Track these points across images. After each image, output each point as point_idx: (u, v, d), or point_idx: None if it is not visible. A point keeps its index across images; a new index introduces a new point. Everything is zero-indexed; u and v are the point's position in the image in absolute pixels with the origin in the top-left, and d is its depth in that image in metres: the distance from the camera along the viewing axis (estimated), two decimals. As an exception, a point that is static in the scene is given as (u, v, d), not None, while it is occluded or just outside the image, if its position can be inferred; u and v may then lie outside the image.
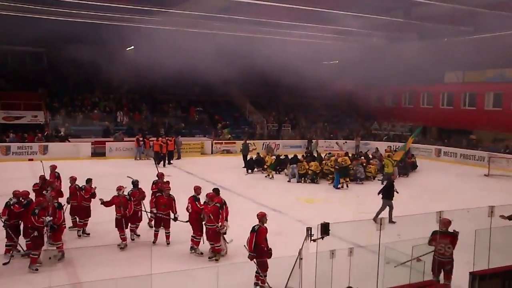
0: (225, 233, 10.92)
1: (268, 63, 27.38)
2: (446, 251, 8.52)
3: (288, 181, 21.65)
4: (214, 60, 27.44)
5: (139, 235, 12.40)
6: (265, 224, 9.28)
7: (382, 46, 33.83)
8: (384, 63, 32.69)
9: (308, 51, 31.76)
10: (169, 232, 11.86)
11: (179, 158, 28.04)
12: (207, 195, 11.23)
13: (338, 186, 20.21)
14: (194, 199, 11.25)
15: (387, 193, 14.53)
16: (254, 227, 9.18)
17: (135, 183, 12.62)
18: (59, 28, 26.41)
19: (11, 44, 32.55)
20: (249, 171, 23.97)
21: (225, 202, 11.21)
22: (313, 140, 31.59)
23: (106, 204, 11.62)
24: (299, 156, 23.59)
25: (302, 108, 39.74)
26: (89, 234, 12.45)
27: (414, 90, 37.51)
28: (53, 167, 14.20)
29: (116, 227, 11.53)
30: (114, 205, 11.61)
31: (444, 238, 8.56)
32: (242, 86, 36.07)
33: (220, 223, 10.69)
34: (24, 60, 35.61)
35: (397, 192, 14.67)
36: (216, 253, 10.77)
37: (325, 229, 6.74)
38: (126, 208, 11.46)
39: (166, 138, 27.86)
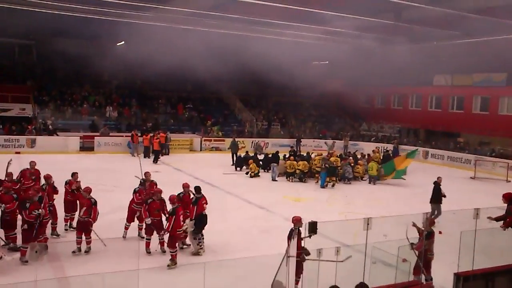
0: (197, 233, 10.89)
1: (259, 62, 27.39)
2: (432, 248, 8.76)
3: (272, 179, 21.68)
4: (205, 58, 27.43)
5: (143, 237, 11.61)
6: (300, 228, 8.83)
7: (372, 48, 34.02)
8: (374, 65, 32.91)
9: (299, 51, 31.86)
10: (163, 239, 11.06)
11: (167, 154, 27.99)
12: (155, 191, 11.37)
13: (324, 185, 20.34)
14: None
15: (436, 198, 14.54)
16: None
17: (142, 182, 12.16)
18: (49, 21, 26.26)
19: (0, 36, 32.22)
20: (238, 168, 24.01)
21: (195, 201, 11.07)
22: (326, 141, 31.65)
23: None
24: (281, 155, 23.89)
25: (291, 107, 39.87)
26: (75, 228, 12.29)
27: (403, 92, 37.80)
28: (33, 164, 13.38)
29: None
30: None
31: (433, 236, 8.86)
32: (233, 84, 36.11)
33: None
34: (13, 52, 35.29)
35: (445, 196, 14.67)
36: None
37: (312, 227, 6.81)
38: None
39: (159, 133, 27.73)
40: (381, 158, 24.87)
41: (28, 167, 13.21)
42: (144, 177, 12.29)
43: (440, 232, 10.34)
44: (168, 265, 9.94)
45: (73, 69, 33.03)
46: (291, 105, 40.02)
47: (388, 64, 31.50)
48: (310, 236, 6.81)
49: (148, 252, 10.87)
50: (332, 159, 21.13)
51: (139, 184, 12.12)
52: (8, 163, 12.28)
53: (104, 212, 13.84)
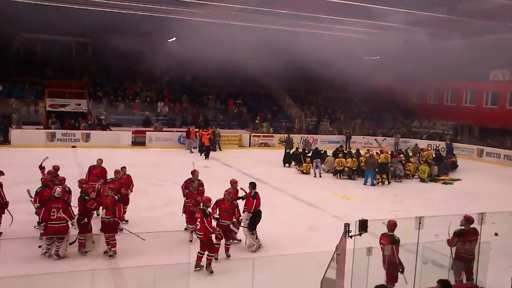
0: (253, 229, 10.90)
1: (308, 57, 27.25)
2: (472, 247, 8.45)
3: (314, 176, 21.54)
4: (255, 53, 27.56)
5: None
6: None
7: (425, 42, 33.18)
8: (426, 60, 32.06)
9: (349, 45, 31.44)
10: (230, 244, 10.57)
11: (219, 149, 28.29)
12: (226, 191, 10.79)
13: (374, 183, 20.08)
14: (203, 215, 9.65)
15: None
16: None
17: (191, 183, 11.77)
18: (104, 19, 27.06)
19: (59, 35, 33.47)
20: (286, 165, 24.01)
21: (254, 195, 11.02)
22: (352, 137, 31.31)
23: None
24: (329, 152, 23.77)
25: (341, 103, 39.44)
26: (127, 221, 12.41)
27: (457, 88, 36.65)
28: (100, 162, 13.08)
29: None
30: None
31: (470, 235, 8.49)
32: (282, 79, 36.01)
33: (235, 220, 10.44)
34: (70, 50, 36.57)
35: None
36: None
37: (363, 225, 6.72)
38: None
39: (209, 129, 28.07)
40: (433, 156, 24.19)
41: (95, 164, 13.12)
42: (192, 176, 11.98)
43: (495, 234, 10.00)
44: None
45: (126, 65, 33.81)
46: (340, 101, 39.60)
47: (441, 59, 30.66)
48: (360, 234, 6.74)
49: (216, 258, 9.96)
50: (382, 156, 20.78)
51: (190, 183, 11.78)
52: (44, 159, 12.39)
53: (155, 206, 14.27)
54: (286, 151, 25.31)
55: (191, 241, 10.83)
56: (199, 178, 12.13)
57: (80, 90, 32.22)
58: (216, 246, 9.73)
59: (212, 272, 9.34)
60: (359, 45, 32.95)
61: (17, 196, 11.52)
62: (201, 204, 9.88)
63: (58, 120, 28.53)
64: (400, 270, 7.94)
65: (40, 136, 26.75)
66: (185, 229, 11.50)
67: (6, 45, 33.53)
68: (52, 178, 11.33)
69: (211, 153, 26.43)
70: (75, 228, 10.10)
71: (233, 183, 11.46)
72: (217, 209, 10.36)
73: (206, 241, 9.44)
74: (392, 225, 8.20)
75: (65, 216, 9.89)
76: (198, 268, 9.44)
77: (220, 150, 28.28)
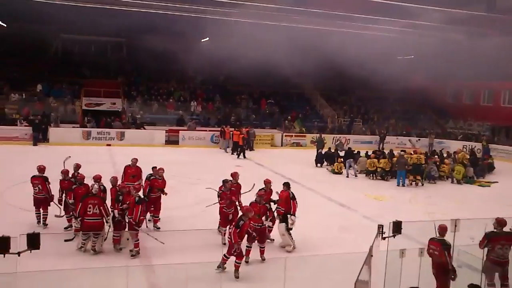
0: (291, 229, 10.88)
1: (341, 57, 27.03)
2: (504, 252, 8.22)
3: (347, 176, 21.39)
4: (288, 53, 27.48)
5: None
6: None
7: (461, 41, 32.48)
8: (462, 59, 31.36)
9: (382, 45, 31.07)
10: (264, 247, 10.33)
11: (251, 149, 28.34)
12: (257, 193, 10.65)
13: (405, 184, 19.81)
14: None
15: None
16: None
17: (224, 182, 11.42)
18: (139, 19, 27.40)
19: (94, 35, 34.15)
20: (318, 165, 23.91)
21: (293, 196, 11.04)
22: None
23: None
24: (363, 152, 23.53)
25: (374, 103, 39.02)
26: (159, 228, 12.28)
27: (494, 88, 35.76)
28: (77, 166, 12.23)
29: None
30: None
31: (502, 238, 8.25)
32: (315, 79, 35.84)
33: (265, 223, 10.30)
34: (106, 50, 37.29)
35: None
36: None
37: (397, 227, 6.68)
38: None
39: (242, 129, 28.18)
40: (468, 158, 23.65)
41: (130, 163, 13.00)
42: (226, 179, 11.53)
43: None
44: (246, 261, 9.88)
45: (160, 65, 34.22)
46: (374, 101, 39.17)
47: (478, 58, 29.94)
48: (394, 236, 6.69)
49: (246, 262, 9.97)
50: (414, 156, 20.47)
51: (222, 185, 11.40)
52: (66, 158, 12.42)
53: (188, 204, 14.43)
54: (318, 151, 25.21)
55: (225, 244, 10.68)
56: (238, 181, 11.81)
57: (115, 90, 32.79)
58: (247, 249, 9.68)
59: (237, 277, 9.10)
60: (393, 44, 32.48)
61: (54, 193, 11.78)
62: (242, 213, 9.53)
63: (94, 119, 29.15)
64: (453, 277, 7.64)
65: (77, 135, 27.38)
66: (218, 230, 11.39)
67: (46, 46, 34.47)
68: (65, 177, 11.60)
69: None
70: (109, 226, 10.30)
71: (267, 183, 11.42)
72: None
73: (232, 246, 9.26)
74: (443, 229, 7.93)
75: (100, 212, 10.11)
76: (219, 269, 9.25)
77: (252, 150, 28.35)
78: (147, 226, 11.47)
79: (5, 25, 31.97)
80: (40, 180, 11.59)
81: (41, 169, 11.88)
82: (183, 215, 13.09)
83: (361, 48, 27.14)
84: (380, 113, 38.07)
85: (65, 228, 11.36)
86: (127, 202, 10.37)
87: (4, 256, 6.18)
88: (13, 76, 31.75)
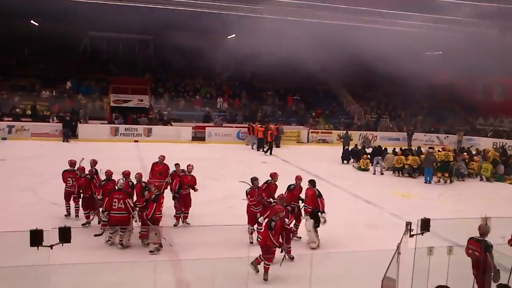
0: (318, 226, 10.85)
1: (368, 53, 26.80)
2: None
3: (373, 173, 21.24)
4: (314, 49, 27.34)
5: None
6: None
7: (492, 36, 31.80)
8: (493, 54, 30.73)
9: (410, 40, 30.64)
10: (290, 247, 10.06)
11: (277, 146, 28.34)
12: (278, 196, 10.46)
13: (433, 181, 19.56)
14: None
15: None
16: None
17: (252, 181, 11.07)
18: (166, 17, 27.62)
19: (122, 32, 34.56)
20: (345, 161, 23.79)
21: (320, 193, 10.98)
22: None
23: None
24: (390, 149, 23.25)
25: (402, 99, 38.57)
26: (188, 223, 12.35)
27: (527, 83, 34.96)
28: (94, 162, 12.40)
29: None
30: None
31: None
32: (341, 75, 35.53)
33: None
34: (133, 47, 37.70)
35: None
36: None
37: (425, 225, 6.61)
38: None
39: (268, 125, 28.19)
40: (499, 155, 23.21)
41: (157, 160, 13.06)
42: (255, 177, 11.19)
43: None
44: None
45: (187, 62, 34.49)
46: (401, 97, 38.72)
47: (508, 52, 29.26)
48: (422, 234, 6.62)
49: None
50: (442, 153, 20.16)
51: (251, 184, 11.11)
52: (80, 161, 12.45)
53: (214, 200, 14.52)
54: (345, 148, 25.08)
55: (252, 242, 10.71)
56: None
57: (142, 86, 33.19)
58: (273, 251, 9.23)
59: (266, 279, 8.91)
60: (421, 39, 32.07)
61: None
62: (271, 214, 9.24)
63: (121, 115, 29.55)
64: (495, 278, 7.35)
65: (105, 131, 27.82)
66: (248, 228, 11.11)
67: (75, 44, 35.07)
68: (81, 174, 11.76)
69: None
70: (135, 221, 10.43)
71: (298, 179, 11.31)
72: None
73: (264, 248, 9.12)
74: (484, 229, 7.64)
75: (125, 207, 10.25)
76: (252, 266, 9.08)
77: (278, 146, 28.31)
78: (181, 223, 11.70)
79: (37, 24, 32.69)
80: (73, 174, 11.93)
81: (73, 163, 12.25)
82: (209, 211, 13.18)
83: (388, 44, 26.85)
84: (408, 109, 37.64)
85: (82, 225, 11.52)
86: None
87: (37, 249, 6.33)
88: (44, 74, 32.44)
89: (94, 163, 12.28)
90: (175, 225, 11.84)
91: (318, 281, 8.56)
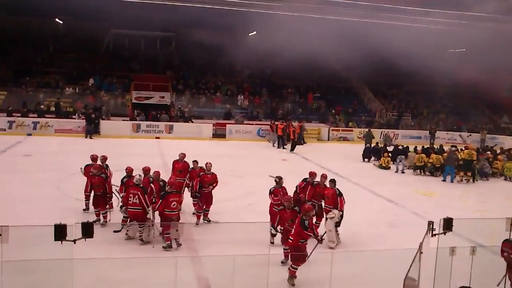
0: (339, 225, 10.79)
1: (390, 50, 26.54)
2: None
3: (396, 171, 21.05)
4: (335, 46, 27.19)
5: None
6: None
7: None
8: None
9: (433, 37, 30.31)
10: None
11: (302, 143, 28.12)
12: (284, 197, 10.05)
13: (454, 180, 19.31)
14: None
15: None
16: None
17: (277, 180, 10.92)
18: (187, 14, 27.76)
19: (144, 30, 34.84)
20: (366, 159, 23.63)
21: (340, 192, 10.86)
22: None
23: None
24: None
25: (424, 97, 38.15)
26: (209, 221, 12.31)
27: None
28: (104, 158, 12.61)
29: None
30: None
31: None
32: (363, 73, 35.37)
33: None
34: (155, 44, 37.96)
35: None
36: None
37: (448, 224, 6.53)
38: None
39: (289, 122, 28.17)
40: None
41: (178, 158, 12.90)
42: (279, 176, 11.00)
43: None
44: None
45: (208, 59, 34.60)
46: (423, 95, 38.28)
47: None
48: (444, 233, 6.54)
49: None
50: (465, 152, 19.87)
51: (275, 182, 10.92)
52: (80, 169, 12.63)
53: (235, 197, 14.56)
54: (366, 146, 24.90)
55: (273, 243, 10.55)
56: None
57: (163, 83, 33.40)
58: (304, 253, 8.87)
59: (293, 285, 8.64)
60: (444, 37, 31.68)
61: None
62: (302, 213, 8.85)
63: (143, 112, 29.80)
64: None
65: (126, 127, 28.07)
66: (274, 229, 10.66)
67: (98, 42, 35.47)
68: (97, 172, 11.72)
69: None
70: (149, 217, 10.42)
71: (323, 177, 11.25)
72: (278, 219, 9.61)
73: (294, 250, 8.82)
74: None
75: (140, 202, 10.30)
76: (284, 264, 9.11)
77: (301, 144, 28.12)
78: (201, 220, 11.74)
79: (62, 22, 33.15)
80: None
81: (95, 158, 12.48)
82: (229, 208, 13.22)
83: (410, 41, 26.55)
84: (430, 107, 37.21)
85: (94, 222, 11.60)
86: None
87: (61, 243, 6.44)
88: (68, 70, 32.89)
89: (104, 159, 12.48)
90: (197, 224, 11.80)
91: (338, 281, 8.54)
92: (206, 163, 12.09)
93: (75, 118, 27.95)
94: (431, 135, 30.94)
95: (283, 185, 10.87)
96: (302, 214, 8.85)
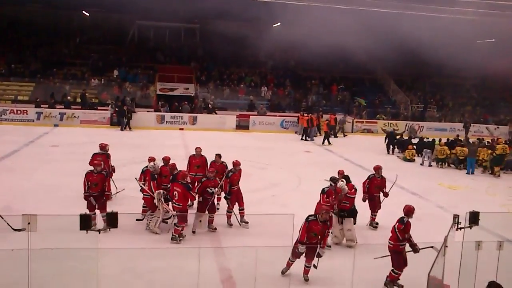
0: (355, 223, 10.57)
1: (416, 41, 26.18)
2: None
3: (421, 164, 20.79)
4: (360, 37, 26.96)
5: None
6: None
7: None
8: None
9: (460, 28, 29.70)
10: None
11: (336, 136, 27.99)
12: (323, 208, 9.26)
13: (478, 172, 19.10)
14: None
15: None
16: None
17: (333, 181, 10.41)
18: (212, 5, 27.78)
19: (169, 21, 35.00)
20: (390, 148, 23.44)
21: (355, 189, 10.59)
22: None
23: None
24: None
25: (450, 89, 37.53)
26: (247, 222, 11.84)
27: None
28: (103, 146, 12.86)
29: None
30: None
31: None
32: (388, 64, 34.91)
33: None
34: (180, 35, 38.11)
35: None
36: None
37: (474, 218, 6.43)
38: None
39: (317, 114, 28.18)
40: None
41: (194, 153, 12.61)
42: (335, 176, 10.68)
43: None
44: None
45: (232, 50, 34.58)
46: (450, 87, 37.66)
47: None
48: (470, 227, 6.44)
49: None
50: (499, 147, 19.41)
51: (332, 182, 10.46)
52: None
53: (258, 188, 14.59)
54: (390, 138, 24.65)
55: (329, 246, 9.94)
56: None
57: (188, 75, 33.55)
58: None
59: (307, 280, 8.64)
60: (472, 27, 31.04)
61: (133, 173, 12.30)
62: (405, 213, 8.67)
63: (167, 104, 30.02)
64: None
65: (151, 119, 28.26)
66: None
67: (123, 33, 35.79)
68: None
69: (315, 139, 26.53)
70: (157, 205, 10.51)
71: (340, 174, 10.90)
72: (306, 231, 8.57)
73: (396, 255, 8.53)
74: None
75: (149, 189, 10.63)
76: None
77: (337, 136, 28.04)
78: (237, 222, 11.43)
79: (88, 14, 33.55)
80: (103, 157, 12.38)
81: (103, 147, 12.78)
82: (253, 199, 13.23)
83: (437, 32, 26.15)
84: (456, 99, 36.60)
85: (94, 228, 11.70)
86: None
87: (86, 232, 6.56)
88: (93, 62, 33.30)
89: (103, 147, 12.71)
90: (230, 225, 11.26)
91: (361, 273, 8.51)
92: (234, 162, 11.61)
93: (106, 110, 28.12)
94: (466, 128, 30.37)
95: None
96: (405, 214, 8.58)
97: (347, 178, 10.62)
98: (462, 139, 23.43)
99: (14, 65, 31.81)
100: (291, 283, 8.23)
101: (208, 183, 10.53)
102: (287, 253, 8.68)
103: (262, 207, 12.32)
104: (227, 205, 11.36)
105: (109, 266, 8.38)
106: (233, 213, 11.30)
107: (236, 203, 11.31)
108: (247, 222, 11.27)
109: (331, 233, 9.94)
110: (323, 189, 10.26)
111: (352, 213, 10.54)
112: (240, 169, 11.55)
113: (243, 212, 11.37)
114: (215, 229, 10.77)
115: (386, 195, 11.44)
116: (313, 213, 9.25)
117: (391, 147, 23.64)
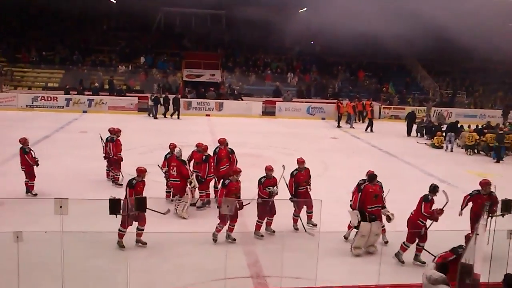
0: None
1: (445, 26, 25.59)
2: None
3: (445, 150, 20.48)
4: (388, 22, 26.44)
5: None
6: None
7: None
8: None
9: (493, 11, 28.93)
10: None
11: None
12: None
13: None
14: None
15: None
16: None
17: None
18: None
19: (195, 7, 34.99)
20: (418, 134, 23.20)
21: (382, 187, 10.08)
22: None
23: None
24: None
25: (480, 75, 36.67)
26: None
27: None
28: (113, 131, 13.20)
29: None
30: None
31: None
32: (416, 49, 34.26)
33: None
34: (206, 22, 38.06)
35: None
36: None
37: (506, 206, 6.31)
38: None
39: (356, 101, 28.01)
40: None
41: (221, 147, 12.09)
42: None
43: None
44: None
45: (258, 36, 34.42)
46: (480, 73, 36.79)
47: None
48: (503, 215, 6.32)
49: None
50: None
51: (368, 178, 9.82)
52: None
53: (284, 174, 14.53)
54: (410, 119, 24.39)
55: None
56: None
57: (214, 61, 33.59)
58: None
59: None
60: (506, 9, 30.20)
61: (156, 159, 12.47)
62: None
63: (194, 90, 30.15)
64: None
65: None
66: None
67: (149, 20, 35.97)
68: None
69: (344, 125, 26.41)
70: (190, 189, 10.76)
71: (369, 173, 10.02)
72: None
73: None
74: None
75: (178, 175, 10.70)
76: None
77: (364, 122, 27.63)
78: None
79: (115, 2, 33.79)
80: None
81: (110, 131, 13.14)
82: (279, 185, 13.23)
83: (466, 16, 25.46)
84: (487, 85, 35.78)
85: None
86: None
87: (115, 216, 6.67)
88: (120, 49, 33.61)
89: (113, 131, 13.04)
90: (296, 229, 10.44)
91: (389, 259, 8.49)
92: (299, 159, 10.78)
93: (134, 97, 28.29)
94: (504, 114, 29.71)
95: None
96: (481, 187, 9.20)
97: (373, 177, 9.80)
98: (494, 125, 22.93)
99: (45, 52, 32.31)
100: (318, 267, 8.18)
101: (268, 183, 9.99)
102: (314, 239, 8.66)
103: (288, 193, 12.28)
104: (294, 209, 10.56)
105: (138, 249, 8.52)
106: (299, 218, 10.46)
107: (305, 206, 10.46)
108: (316, 225, 10.31)
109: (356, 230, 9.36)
110: (427, 196, 9.39)
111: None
112: (307, 168, 10.69)
113: (311, 215, 10.54)
114: (262, 236, 9.94)
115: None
116: (338, 199, 9.22)
117: (413, 130, 23.68)
